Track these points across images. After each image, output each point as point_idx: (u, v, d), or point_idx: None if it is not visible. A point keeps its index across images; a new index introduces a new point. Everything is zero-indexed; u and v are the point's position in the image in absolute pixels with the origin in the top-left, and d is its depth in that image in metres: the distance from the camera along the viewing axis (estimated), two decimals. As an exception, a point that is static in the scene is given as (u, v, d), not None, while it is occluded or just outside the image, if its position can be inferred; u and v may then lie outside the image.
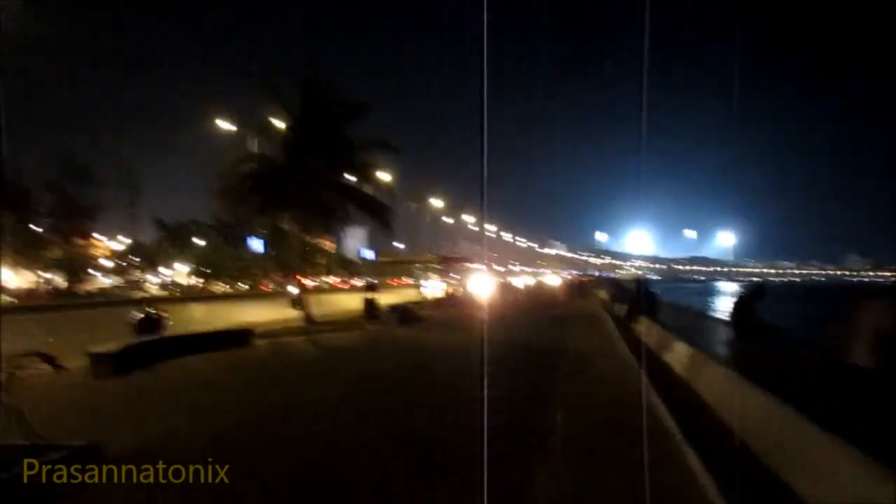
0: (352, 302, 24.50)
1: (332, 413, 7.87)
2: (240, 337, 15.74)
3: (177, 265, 73.41)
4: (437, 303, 29.79)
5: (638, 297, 18.03)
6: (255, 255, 58.21)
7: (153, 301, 25.19)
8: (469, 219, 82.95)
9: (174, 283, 68.15)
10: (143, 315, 17.41)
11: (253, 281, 55.49)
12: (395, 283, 64.76)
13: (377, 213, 23.05)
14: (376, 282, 29.93)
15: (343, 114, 21.99)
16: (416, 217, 71.89)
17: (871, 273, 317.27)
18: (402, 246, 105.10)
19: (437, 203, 70.85)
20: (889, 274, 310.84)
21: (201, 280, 68.79)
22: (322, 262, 62.47)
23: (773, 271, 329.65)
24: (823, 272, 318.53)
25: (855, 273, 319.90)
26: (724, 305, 62.86)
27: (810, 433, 4.60)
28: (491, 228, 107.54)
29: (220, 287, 62.11)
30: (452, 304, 29.75)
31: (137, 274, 69.28)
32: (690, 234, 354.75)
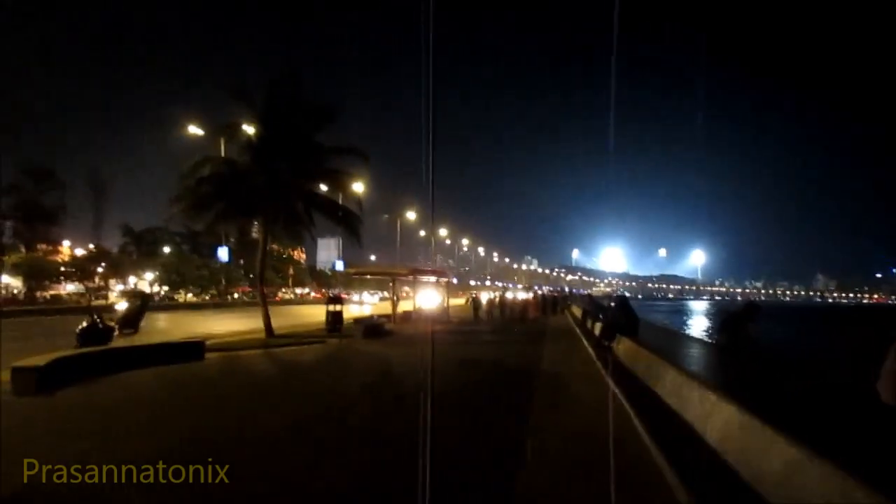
0: (320, 314, 23.29)
1: (273, 450, 6.51)
2: (191, 350, 14.68)
3: (145, 273, 71.88)
4: (407, 316, 28.79)
5: (616, 314, 16.95)
6: (223, 264, 56.90)
7: (103, 310, 23.99)
8: (444, 232, 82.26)
9: (138, 291, 66.26)
10: (87, 324, 16.29)
11: (219, 291, 53.98)
12: (369, 295, 63.50)
13: (345, 221, 22.06)
14: (341, 293, 28.85)
15: (312, 117, 21.04)
16: (389, 229, 70.77)
17: (835, 294, 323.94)
18: (373, 258, 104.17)
19: (411, 216, 69.97)
20: (852, 295, 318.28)
21: (167, 288, 67.14)
22: (291, 273, 61.42)
23: (740, 290, 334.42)
24: (791, 293, 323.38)
25: (820, 294, 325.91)
26: (698, 324, 63.23)
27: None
28: (465, 243, 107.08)
29: (182, 296, 60.61)
30: (423, 317, 28.82)
31: (100, 281, 67.48)
32: (662, 252, 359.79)
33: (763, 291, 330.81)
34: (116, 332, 17.60)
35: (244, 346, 16.85)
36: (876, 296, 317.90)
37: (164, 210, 21.47)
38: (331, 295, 26.99)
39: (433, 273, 34.01)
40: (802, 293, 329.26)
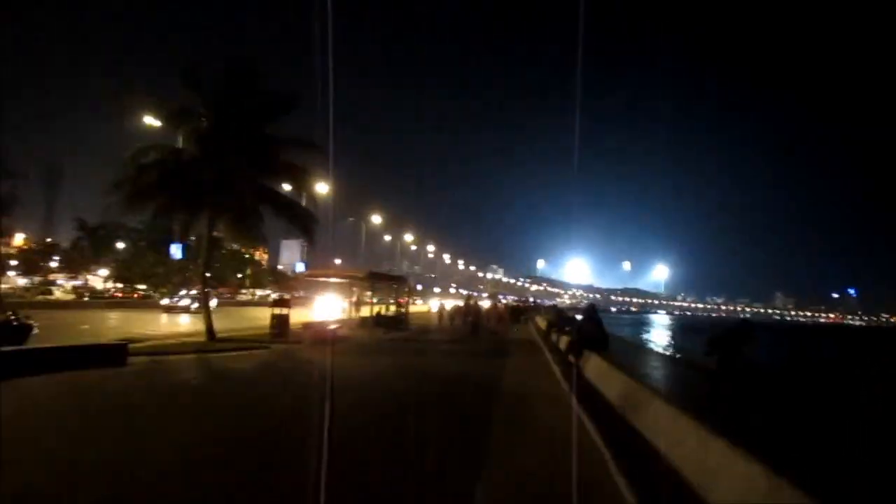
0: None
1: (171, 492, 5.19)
2: (112, 353, 13.20)
3: (95, 268, 69.23)
4: (363, 322, 27.42)
5: (584, 327, 15.54)
6: (178, 261, 54.74)
7: (21, 306, 22.16)
8: (409, 238, 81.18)
9: (87, 287, 63.71)
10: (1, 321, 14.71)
11: (172, 289, 51.71)
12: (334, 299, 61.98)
13: (297, 219, 20.65)
14: (288, 296, 27.35)
15: (267, 107, 19.68)
16: (354, 233, 69.38)
17: (793, 312, 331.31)
18: (339, 262, 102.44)
19: (376, 220, 68.72)
20: (809, 314, 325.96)
21: (119, 285, 64.51)
22: (249, 273, 59.39)
23: (702, 306, 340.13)
24: (750, 309, 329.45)
25: (779, 311, 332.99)
26: (662, 338, 63.08)
27: None
28: (431, 248, 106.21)
29: (131, 292, 58.18)
30: (379, 323, 27.47)
31: (49, 276, 64.66)
32: (626, 265, 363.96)
33: (724, 307, 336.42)
34: (36, 331, 15.95)
35: (177, 350, 15.37)
36: (832, 315, 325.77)
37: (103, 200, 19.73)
38: (276, 298, 25.45)
39: (393, 278, 32.80)
40: (762, 310, 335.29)
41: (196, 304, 34.42)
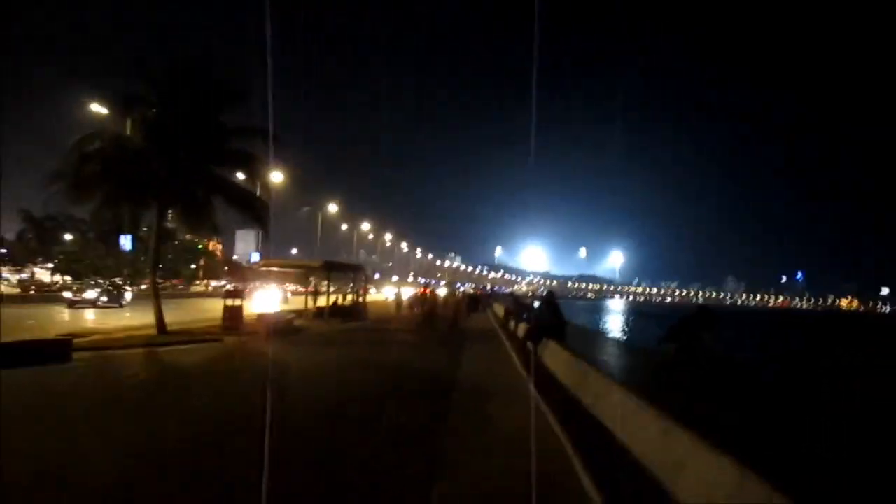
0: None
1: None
2: (55, 349, 12.80)
3: (43, 261, 66.97)
4: (320, 312, 27.15)
5: (542, 314, 15.48)
6: (130, 253, 53.32)
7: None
8: (367, 227, 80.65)
9: (34, 281, 61.63)
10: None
11: (122, 282, 50.24)
12: (292, 290, 61.37)
13: (251, 208, 20.22)
14: (242, 287, 26.87)
15: (218, 96, 19.23)
16: (310, 222, 68.54)
17: (744, 296, 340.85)
18: (295, 252, 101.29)
19: (333, 209, 68.02)
20: (759, 298, 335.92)
21: (67, 279, 62.52)
22: (202, 264, 58.18)
23: (656, 291, 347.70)
24: (702, 294, 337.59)
25: (730, 296, 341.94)
26: (618, 325, 64.13)
27: None
28: (388, 238, 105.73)
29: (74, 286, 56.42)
30: (336, 313, 27.25)
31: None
32: (583, 252, 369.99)
33: (677, 293, 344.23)
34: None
35: (125, 345, 14.97)
36: (781, 299, 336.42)
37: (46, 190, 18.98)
38: (229, 289, 24.94)
39: (349, 267, 32.51)
40: (713, 295, 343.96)
41: (106, 299, 33.36)
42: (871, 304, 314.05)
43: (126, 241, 38.96)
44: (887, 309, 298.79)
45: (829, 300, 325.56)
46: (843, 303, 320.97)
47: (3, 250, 67.23)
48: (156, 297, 18.89)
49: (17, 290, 52.64)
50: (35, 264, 68.06)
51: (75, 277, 61.08)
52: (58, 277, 63.21)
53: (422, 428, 7.61)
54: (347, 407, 8.84)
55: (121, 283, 43.55)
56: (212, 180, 19.64)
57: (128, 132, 19.38)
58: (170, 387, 11.05)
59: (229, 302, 19.84)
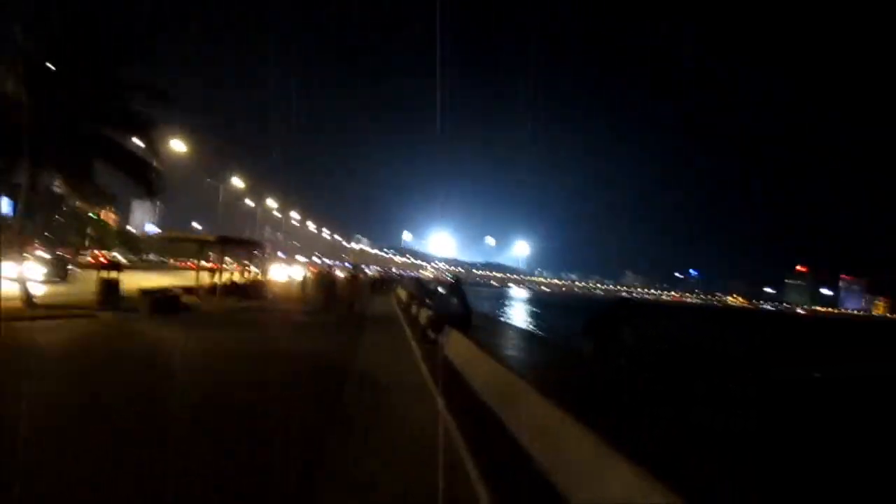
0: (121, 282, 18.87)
1: None
2: None
3: None
4: (214, 289, 25.64)
5: (446, 302, 14.87)
6: (8, 218, 48.96)
7: None
8: (272, 204, 78.10)
9: None
10: None
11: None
12: (186, 265, 58.46)
13: (142, 176, 18.61)
14: (122, 259, 25.04)
15: (110, 46, 17.62)
16: (211, 196, 65.37)
17: (640, 290, 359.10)
18: (196, 225, 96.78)
19: (239, 183, 65.22)
20: (654, 292, 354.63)
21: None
22: (90, 233, 54.25)
23: (558, 281, 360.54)
24: (602, 286, 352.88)
25: (627, 289, 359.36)
26: (521, 314, 65.09)
27: None
28: (294, 216, 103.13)
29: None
30: (231, 291, 25.85)
31: None
32: (490, 241, 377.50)
33: (578, 284, 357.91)
34: None
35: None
36: (673, 293, 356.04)
37: None
38: (105, 261, 23.07)
39: (248, 243, 30.89)
40: (612, 287, 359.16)
41: None
42: (753, 301, 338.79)
43: (6, 205, 35.49)
44: (769, 306, 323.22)
45: (717, 297, 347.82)
46: (730, 299, 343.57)
47: None
48: (22, 269, 17.10)
49: None
50: None
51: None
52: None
53: (305, 432, 6.50)
54: (218, 401, 7.95)
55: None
56: (94, 141, 17.93)
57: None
58: (17, 368, 9.42)
59: (104, 274, 18.09)
